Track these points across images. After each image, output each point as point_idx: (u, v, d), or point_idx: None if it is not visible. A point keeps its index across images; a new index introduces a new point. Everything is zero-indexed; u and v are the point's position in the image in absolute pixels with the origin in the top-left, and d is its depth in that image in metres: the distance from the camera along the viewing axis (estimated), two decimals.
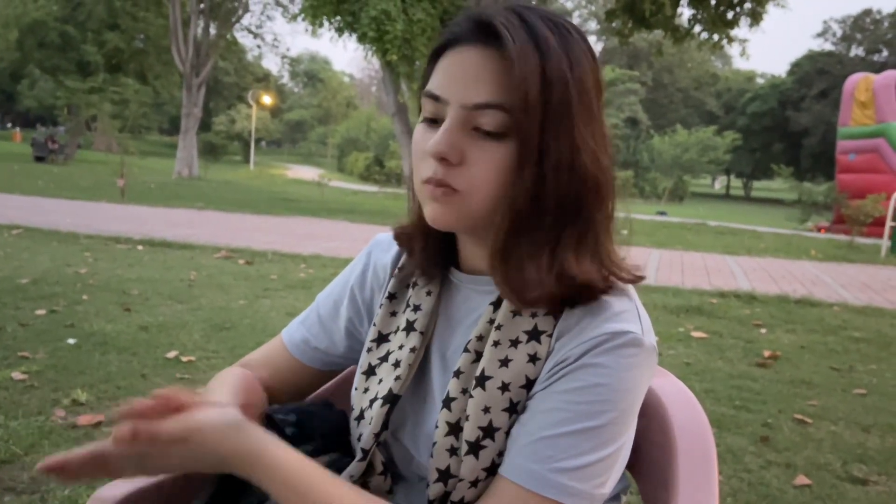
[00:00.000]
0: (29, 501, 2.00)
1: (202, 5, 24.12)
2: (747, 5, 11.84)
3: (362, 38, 11.72)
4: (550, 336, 0.72)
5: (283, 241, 8.06)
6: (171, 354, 3.41)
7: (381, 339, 0.84)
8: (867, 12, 50.39)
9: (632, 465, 0.85)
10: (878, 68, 27.38)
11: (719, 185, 63.07)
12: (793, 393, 3.49)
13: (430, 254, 0.82)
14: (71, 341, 3.50)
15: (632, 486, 0.87)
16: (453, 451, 0.72)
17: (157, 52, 29.74)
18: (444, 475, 0.72)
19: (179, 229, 8.54)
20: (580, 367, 0.68)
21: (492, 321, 0.75)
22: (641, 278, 0.74)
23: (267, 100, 43.05)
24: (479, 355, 0.74)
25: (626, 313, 0.70)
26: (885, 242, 10.90)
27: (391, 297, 0.86)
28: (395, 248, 0.90)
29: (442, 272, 0.84)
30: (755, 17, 11.90)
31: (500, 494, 0.69)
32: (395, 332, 0.84)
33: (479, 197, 0.70)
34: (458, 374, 0.74)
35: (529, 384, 0.71)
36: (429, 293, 0.83)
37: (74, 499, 2.02)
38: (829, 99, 40.81)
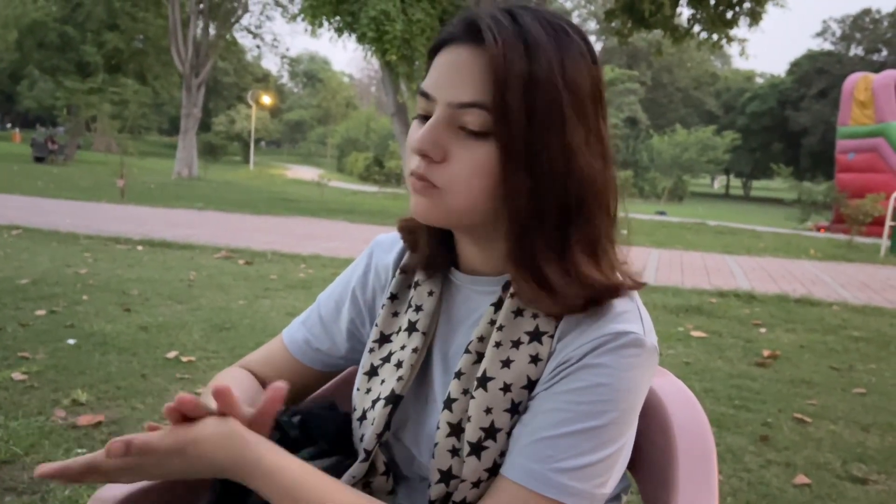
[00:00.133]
0: (29, 502, 2.00)
1: (201, 6, 24.12)
2: (746, 5, 11.83)
3: (362, 39, 11.71)
4: (552, 337, 0.72)
5: (283, 242, 8.06)
6: (171, 354, 3.41)
7: (383, 339, 0.84)
8: (866, 12, 50.40)
9: (632, 465, 0.85)
10: (878, 68, 27.41)
11: (719, 184, 63.08)
12: (792, 392, 3.49)
13: (431, 248, 0.83)
14: (71, 341, 3.50)
15: (632, 486, 0.87)
16: (455, 452, 0.72)
17: (157, 53, 29.72)
18: (446, 476, 0.73)
19: (179, 229, 8.54)
20: (582, 367, 0.68)
21: (493, 322, 0.75)
22: (642, 285, 0.74)
23: (266, 100, 43.04)
24: (480, 356, 0.74)
25: (628, 314, 0.70)
26: (884, 242, 10.90)
27: (393, 297, 0.86)
28: (396, 248, 0.90)
29: (443, 272, 0.84)
30: (754, 17, 11.90)
31: (501, 494, 0.69)
32: (397, 332, 0.84)
33: (458, 194, 0.70)
34: (459, 374, 0.74)
35: (531, 385, 0.71)
36: (430, 293, 0.83)
37: (75, 499, 2.02)
38: (829, 98, 40.81)
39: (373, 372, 0.83)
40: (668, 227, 13.87)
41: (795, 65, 48.82)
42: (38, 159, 24.12)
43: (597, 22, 50.08)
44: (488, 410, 0.71)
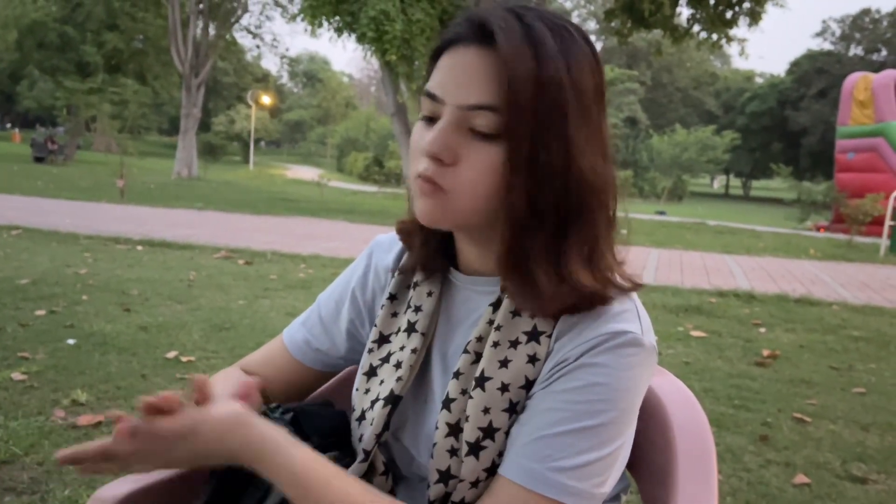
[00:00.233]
0: (29, 502, 2.00)
1: (201, 6, 24.12)
2: (746, 5, 11.84)
3: (361, 39, 11.71)
4: (550, 337, 0.72)
5: (283, 242, 8.06)
6: (171, 355, 3.41)
7: (383, 339, 0.84)
8: (866, 12, 50.42)
9: (631, 465, 0.85)
10: (877, 67, 27.40)
11: (718, 184, 63.08)
12: (792, 392, 3.49)
13: (429, 250, 0.83)
14: (70, 342, 3.50)
15: (631, 486, 0.87)
16: (453, 452, 0.72)
17: (157, 53, 29.71)
18: (445, 476, 0.73)
19: (179, 229, 8.54)
20: (579, 366, 0.68)
21: (491, 322, 0.75)
22: (640, 286, 0.74)
23: (266, 100, 43.04)
24: (478, 356, 0.74)
25: (626, 313, 0.70)
26: (883, 241, 10.91)
27: (392, 298, 0.86)
28: (395, 249, 0.90)
29: (442, 273, 0.84)
30: (754, 17, 11.91)
31: (499, 493, 0.69)
32: (397, 333, 0.84)
33: (465, 197, 0.70)
34: (457, 374, 0.74)
35: (529, 385, 0.71)
36: (430, 294, 0.83)
37: (74, 499, 2.02)
38: (828, 98, 40.81)
39: (372, 372, 0.83)
40: (667, 227, 13.87)
41: (795, 64, 48.84)
42: (38, 159, 24.11)
43: (596, 22, 50.08)
44: (486, 410, 0.71)
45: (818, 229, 16.25)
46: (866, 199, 12.49)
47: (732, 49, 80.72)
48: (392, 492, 0.81)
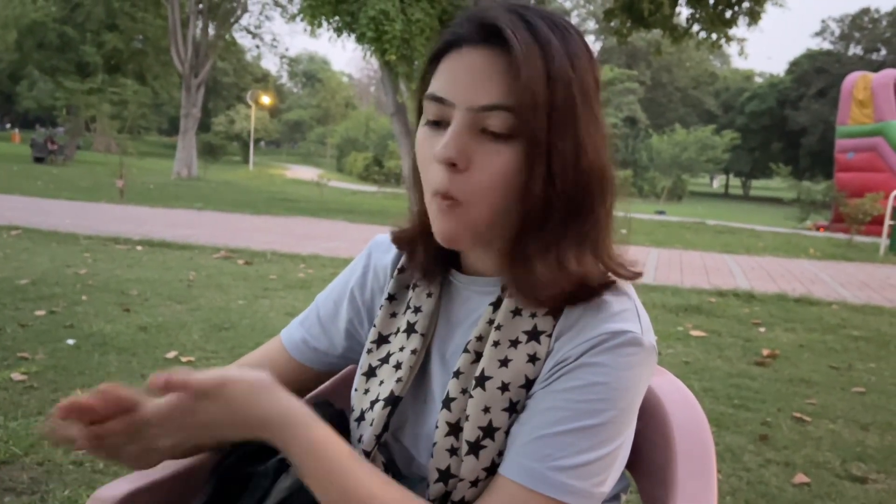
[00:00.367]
0: (29, 502, 2.00)
1: (201, 6, 24.12)
2: (745, 4, 11.84)
3: (361, 38, 11.70)
4: (550, 336, 0.72)
5: (283, 242, 8.06)
6: (171, 355, 3.41)
7: (382, 340, 0.84)
8: (865, 11, 50.44)
9: (631, 465, 0.85)
10: (877, 67, 27.40)
11: (718, 184, 63.11)
12: (792, 391, 3.49)
13: (430, 257, 0.82)
14: (70, 342, 3.50)
15: (631, 486, 0.87)
16: (453, 452, 0.72)
17: (156, 53, 29.72)
18: (445, 475, 0.73)
19: (178, 230, 8.54)
20: (579, 366, 0.68)
21: (491, 321, 0.75)
22: (639, 274, 0.74)
23: (266, 100, 43.04)
24: (478, 356, 0.74)
25: (626, 312, 0.70)
26: (883, 241, 10.91)
27: (391, 298, 0.86)
28: (395, 248, 0.90)
29: (442, 273, 0.84)
30: (753, 16, 11.90)
31: (499, 493, 0.69)
32: (396, 333, 0.84)
33: (480, 204, 0.69)
34: (457, 374, 0.74)
35: (529, 384, 0.72)
36: (429, 295, 0.83)
37: (74, 499, 2.02)
38: (828, 98, 40.82)
39: (371, 373, 0.83)
40: (667, 227, 13.87)
41: (794, 64, 48.84)
42: (38, 159, 24.09)
43: (596, 21, 50.10)
44: (486, 409, 0.71)
45: (818, 229, 16.25)
46: (866, 198, 12.48)
47: (732, 49, 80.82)
48: None
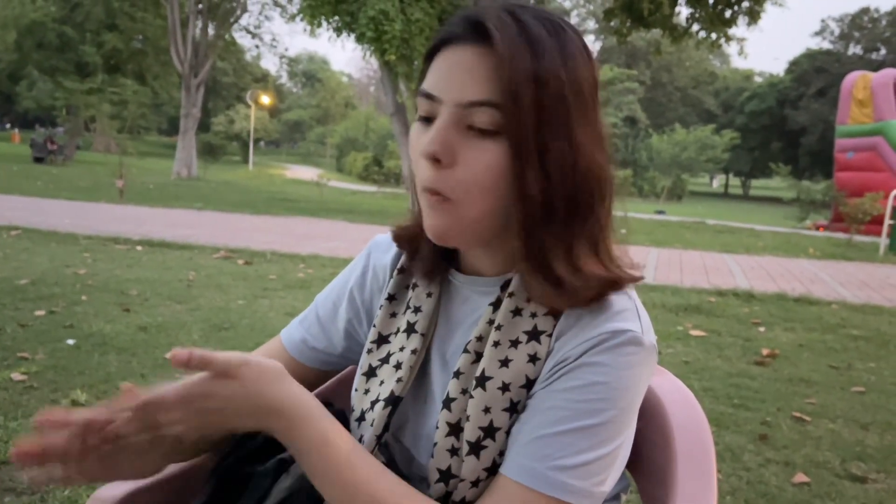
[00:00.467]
0: (29, 502, 2.00)
1: (200, 6, 24.11)
2: (745, 4, 11.83)
3: (360, 38, 11.70)
4: (550, 336, 0.72)
5: (282, 242, 8.06)
6: (171, 355, 3.41)
7: (382, 340, 0.84)
8: (865, 11, 50.47)
9: (631, 464, 0.85)
10: (876, 66, 27.43)
11: (718, 183, 63.10)
12: (791, 391, 3.49)
13: (429, 255, 0.82)
14: (70, 342, 3.50)
15: (631, 485, 0.87)
16: (454, 452, 0.72)
17: (156, 53, 29.71)
18: (445, 476, 0.73)
19: (178, 230, 8.54)
20: (580, 365, 0.68)
21: (491, 322, 0.75)
22: (640, 278, 0.74)
23: (265, 100, 43.02)
24: (478, 356, 0.74)
25: (626, 312, 0.70)
26: (883, 240, 10.91)
27: (391, 298, 0.86)
28: (394, 248, 0.90)
29: (442, 273, 0.84)
30: (753, 16, 11.90)
31: (499, 493, 0.69)
32: (396, 333, 0.84)
33: (470, 202, 0.70)
34: (457, 374, 0.74)
35: (529, 384, 0.72)
36: (429, 295, 0.83)
37: (74, 499, 2.02)
38: (828, 97, 40.83)
39: (371, 373, 0.83)
40: (667, 227, 13.87)
41: (794, 63, 48.85)
42: (38, 159, 24.09)
43: (595, 21, 50.12)
44: (487, 410, 0.71)
45: (817, 228, 16.25)
46: (865, 197, 12.48)
47: (732, 48, 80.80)
48: None
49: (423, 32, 11.35)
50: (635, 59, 52.03)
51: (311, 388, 0.97)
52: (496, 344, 0.73)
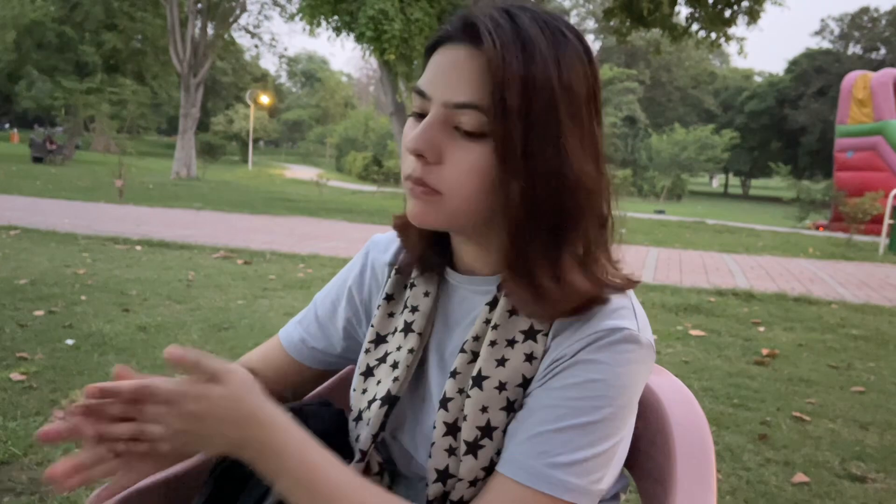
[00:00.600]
0: (28, 502, 2.00)
1: (199, 5, 24.08)
2: (745, 3, 11.84)
3: (360, 38, 11.70)
4: (546, 335, 0.72)
5: (282, 241, 8.06)
6: (166, 352, 3.41)
7: (379, 340, 0.84)
8: (865, 10, 50.48)
9: (630, 464, 0.85)
10: (876, 66, 27.47)
11: (717, 183, 63.12)
12: (791, 391, 3.49)
13: (426, 245, 0.83)
14: (69, 342, 3.50)
15: (630, 485, 0.87)
16: (452, 451, 0.72)
17: (155, 53, 29.74)
18: (443, 475, 0.73)
19: (178, 229, 8.54)
20: (576, 363, 0.68)
21: (488, 321, 0.75)
22: (636, 283, 0.74)
23: (265, 100, 43.02)
24: (475, 355, 0.74)
25: (623, 310, 0.70)
26: (882, 240, 10.91)
27: (389, 298, 0.86)
28: (392, 248, 0.90)
29: (439, 273, 0.84)
30: (753, 15, 11.91)
31: (497, 490, 0.69)
32: (393, 333, 0.84)
33: (458, 198, 0.70)
34: (454, 374, 0.74)
35: (526, 383, 0.71)
36: (426, 294, 0.83)
37: (74, 499, 2.02)
38: (827, 97, 40.86)
39: (369, 372, 0.83)
40: (666, 226, 13.87)
41: (794, 63, 48.85)
42: (37, 159, 24.04)
43: (595, 21, 50.12)
44: (484, 409, 0.71)
45: (817, 228, 16.26)
46: (865, 197, 12.48)
47: (731, 48, 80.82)
48: (388, 491, 0.81)
49: (423, 32, 11.35)
50: (635, 59, 52.03)
51: (310, 387, 0.98)
52: (493, 343, 0.73)
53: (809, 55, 48.06)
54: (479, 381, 0.72)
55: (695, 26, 12.44)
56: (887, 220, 10.92)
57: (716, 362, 3.92)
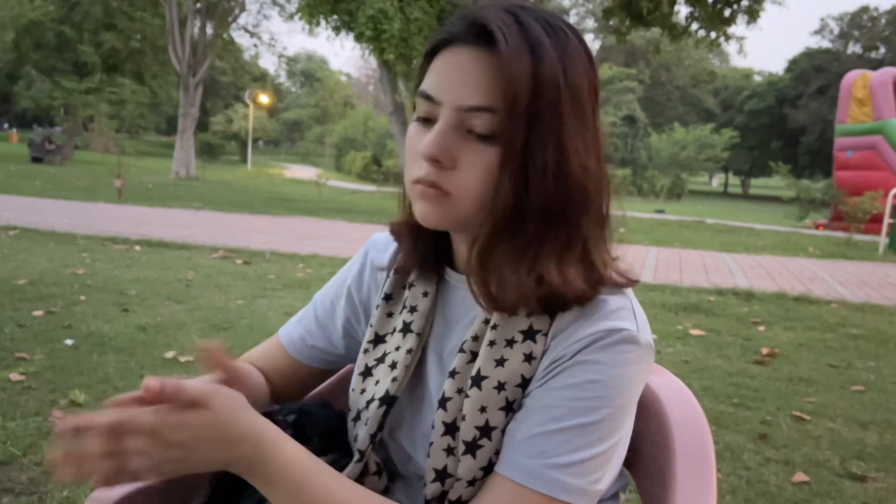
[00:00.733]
0: (27, 502, 2.00)
1: (199, 5, 24.08)
2: (744, 2, 11.83)
3: (359, 37, 11.71)
4: (546, 335, 0.72)
5: (281, 241, 8.06)
6: (170, 355, 3.41)
7: (378, 340, 0.84)
8: (864, 9, 50.51)
9: (630, 464, 0.85)
10: (876, 65, 27.46)
11: (717, 182, 63.11)
12: (791, 390, 3.49)
13: (423, 249, 0.82)
14: (69, 342, 3.49)
15: (630, 485, 0.87)
16: (450, 451, 0.72)
17: (154, 52, 29.73)
18: (442, 475, 0.72)
19: (177, 229, 8.53)
20: (575, 363, 0.68)
21: (487, 321, 0.75)
22: (635, 282, 0.74)
23: (264, 99, 42.98)
24: (474, 355, 0.74)
25: (622, 311, 0.70)
26: (882, 239, 10.91)
27: (387, 297, 0.86)
28: (391, 248, 0.90)
29: (438, 273, 0.84)
30: (752, 15, 11.90)
31: (495, 491, 0.69)
32: (392, 333, 0.84)
33: (468, 200, 0.69)
34: (453, 374, 0.74)
35: (525, 383, 0.71)
36: (425, 294, 0.83)
37: (73, 500, 2.02)
38: (827, 96, 40.84)
39: (367, 372, 0.83)
40: (666, 226, 13.87)
41: (793, 62, 48.85)
42: (36, 159, 24.02)
43: (595, 20, 50.16)
44: (483, 409, 0.71)
45: (817, 227, 16.26)
46: (865, 196, 12.48)
47: (731, 47, 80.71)
48: (386, 491, 0.81)
49: (422, 31, 11.35)
50: (634, 58, 52.02)
51: (309, 386, 0.98)
52: (492, 343, 0.73)
53: (809, 54, 48.07)
54: (477, 380, 0.72)
55: (694, 25, 12.44)
56: (887, 219, 10.92)
57: (716, 362, 3.92)
